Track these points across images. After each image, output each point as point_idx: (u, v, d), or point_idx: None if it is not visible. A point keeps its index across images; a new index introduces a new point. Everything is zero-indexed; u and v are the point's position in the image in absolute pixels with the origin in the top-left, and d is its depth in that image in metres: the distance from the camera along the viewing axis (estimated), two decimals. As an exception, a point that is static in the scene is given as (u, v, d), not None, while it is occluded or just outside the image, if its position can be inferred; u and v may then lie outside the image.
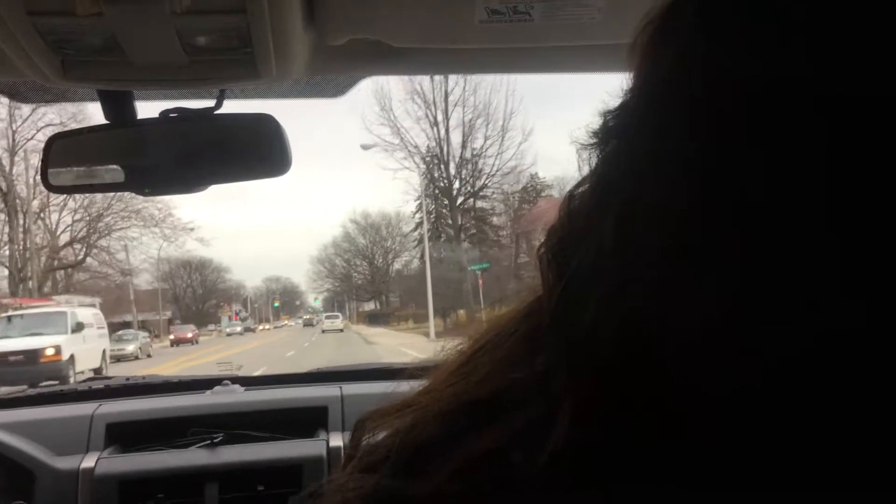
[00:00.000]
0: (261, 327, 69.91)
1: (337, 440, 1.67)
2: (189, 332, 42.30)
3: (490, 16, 0.91)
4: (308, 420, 1.77)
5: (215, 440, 1.65)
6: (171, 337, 41.59)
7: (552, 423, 0.32)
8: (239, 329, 55.57)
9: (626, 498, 0.31)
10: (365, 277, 65.66)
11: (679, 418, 0.31)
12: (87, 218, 36.60)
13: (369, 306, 70.56)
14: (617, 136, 0.36)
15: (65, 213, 36.34)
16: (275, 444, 1.68)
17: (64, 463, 1.61)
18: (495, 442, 0.33)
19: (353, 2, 0.91)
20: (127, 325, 42.67)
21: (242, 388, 1.93)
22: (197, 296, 67.88)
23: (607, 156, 0.36)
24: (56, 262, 36.09)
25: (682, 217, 0.32)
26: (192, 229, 39.52)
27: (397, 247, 62.60)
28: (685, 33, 0.33)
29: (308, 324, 67.34)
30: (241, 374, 2.31)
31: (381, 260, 64.22)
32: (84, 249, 36.86)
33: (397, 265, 62.54)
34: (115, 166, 1.20)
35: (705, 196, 0.31)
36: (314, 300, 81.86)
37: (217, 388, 1.93)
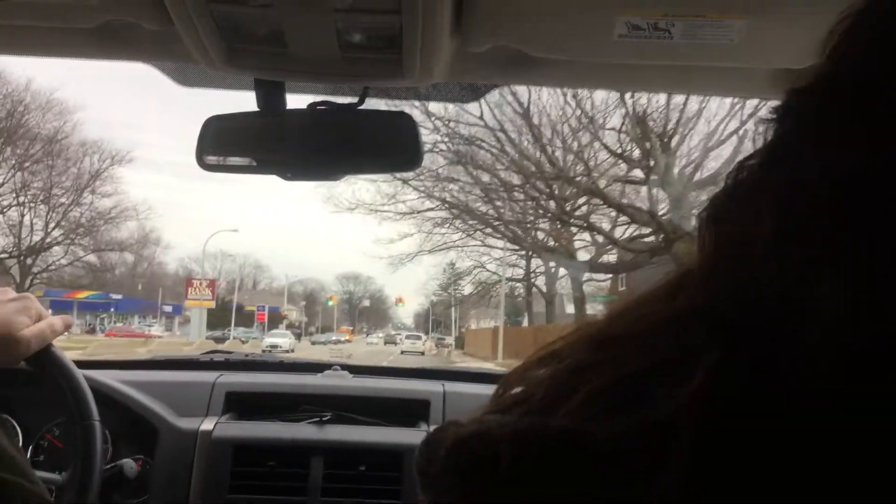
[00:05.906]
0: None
1: None
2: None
3: (630, 31, 0.93)
4: (410, 411, 1.82)
5: (324, 418, 1.73)
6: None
7: (688, 369, 0.33)
8: None
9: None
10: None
11: (805, 396, 0.31)
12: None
13: (483, 321, 45.98)
14: (795, 115, 0.36)
15: None
16: (379, 429, 1.74)
17: (185, 423, 1.71)
18: (636, 369, 0.35)
19: (497, 11, 0.95)
20: None
21: (351, 375, 2.02)
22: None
23: (781, 134, 0.36)
24: None
25: (837, 212, 0.32)
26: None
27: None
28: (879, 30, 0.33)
29: (390, 341, 56.68)
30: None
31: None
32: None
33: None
34: (262, 150, 1.30)
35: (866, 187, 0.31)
36: (397, 304, 65.09)
37: (328, 371, 2.02)
